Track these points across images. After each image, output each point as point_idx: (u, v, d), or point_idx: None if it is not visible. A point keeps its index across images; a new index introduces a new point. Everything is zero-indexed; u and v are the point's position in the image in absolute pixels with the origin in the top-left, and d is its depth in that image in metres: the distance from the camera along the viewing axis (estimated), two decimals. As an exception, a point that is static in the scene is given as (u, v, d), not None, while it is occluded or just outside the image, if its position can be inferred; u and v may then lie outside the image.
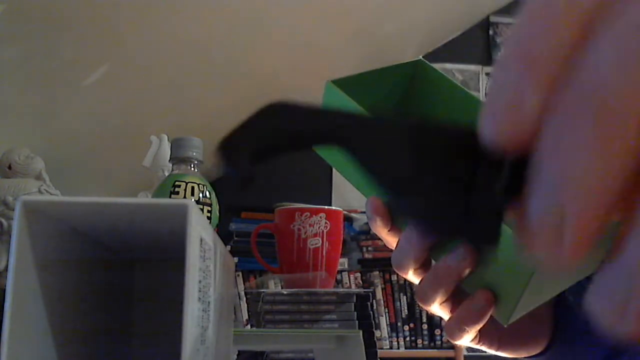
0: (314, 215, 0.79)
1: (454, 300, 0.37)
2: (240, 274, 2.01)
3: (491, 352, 0.41)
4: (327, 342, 0.66)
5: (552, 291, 0.38)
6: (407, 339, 2.05)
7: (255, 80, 1.72)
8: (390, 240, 0.38)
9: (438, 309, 0.38)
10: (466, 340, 0.38)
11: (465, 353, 2.04)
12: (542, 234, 0.16)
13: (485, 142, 0.17)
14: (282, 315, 0.75)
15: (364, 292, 0.78)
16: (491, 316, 0.35)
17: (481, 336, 0.39)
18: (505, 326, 0.35)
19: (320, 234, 0.79)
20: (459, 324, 0.36)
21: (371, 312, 0.77)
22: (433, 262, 0.37)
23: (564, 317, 0.43)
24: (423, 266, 0.37)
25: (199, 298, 0.34)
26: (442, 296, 0.36)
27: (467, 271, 0.34)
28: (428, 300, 0.37)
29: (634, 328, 0.15)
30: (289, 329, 0.72)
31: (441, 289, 0.35)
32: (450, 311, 0.37)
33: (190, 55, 1.48)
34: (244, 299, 1.94)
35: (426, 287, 0.36)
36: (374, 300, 2.02)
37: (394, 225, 0.38)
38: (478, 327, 0.36)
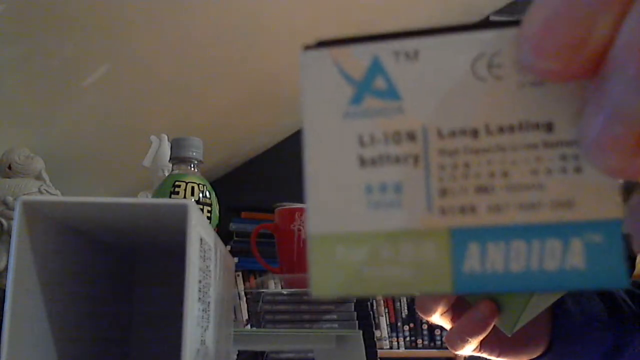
0: (314, 215, 0.79)
1: (455, 310, 0.36)
2: (240, 274, 2.01)
3: (492, 358, 0.41)
4: (327, 342, 0.66)
5: (553, 297, 0.38)
6: (407, 339, 2.05)
7: (255, 80, 1.72)
8: None
9: (439, 319, 0.37)
10: (467, 350, 0.37)
11: (465, 353, 2.04)
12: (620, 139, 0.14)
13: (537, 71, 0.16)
14: (282, 315, 0.75)
15: (364, 292, 0.78)
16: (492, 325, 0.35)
17: (482, 345, 0.39)
18: (510, 335, 0.35)
19: (320, 234, 0.79)
20: (461, 335, 0.36)
21: (371, 312, 0.76)
22: None
23: (562, 317, 0.43)
24: None
25: (199, 298, 0.34)
26: (443, 307, 0.36)
27: None
28: (429, 311, 0.36)
29: (614, 161, 0.15)
30: (289, 329, 0.72)
31: (442, 300, 0.35)
32: (451, 321, 0.37)
33: (190, 55, 1.48)
34: (244, 299, 1.94)
35: (427, 299, 0.36)
36: (374, 300, 2.02)
37: None
38: (481, 337, 0.35)
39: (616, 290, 0.47)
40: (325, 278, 0.20)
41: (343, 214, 0.20)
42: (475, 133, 0.19)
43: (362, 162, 0.20)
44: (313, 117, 0.20)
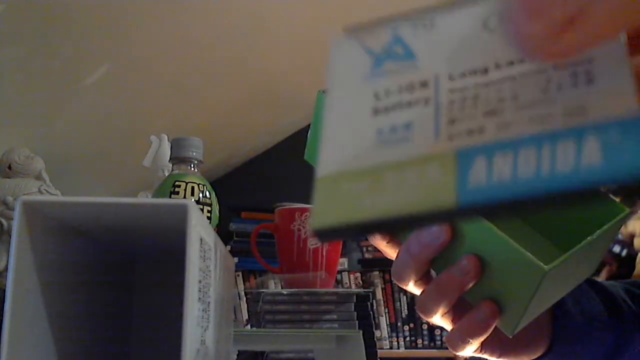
0: (314, 215, 0.79)
1: (456, 311, 0.36)
2: (240, 274, 2.01)
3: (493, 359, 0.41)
4: (327, 342, 0.66)
5: (554, 297, 0.38)
6: (407, 339, 2.05)
7: (255, 80, 1.72)
8: (390, 252, 0.38)
9: (440, 320, 0.37)
10: (468, 351, 0.37)
11: (465, 353, 2.04)
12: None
13: None
14: (282, 315, 0.75)
15: (364, 292, 0.78)
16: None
17: (483, 346, 0.39)
18: (511, 336, 0.35)
19: (320, 234, 0.79)
20: (462, 336, 0.36)
21: (371, 312, 0.76)
22: (433, 273, 0.36)
23: (563, 318, 0.43)
24: (424, 278, 0.36)
25: (199, 298, 0.34)
26: (444, 308, 0.35)
27: (471, 283, 0.33)
28: (430, 312, 0.36)
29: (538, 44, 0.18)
30: (289, 329, 0.72)
31: (444, 301, 0.35)
32: (452, 322, 0.37)
33: (190, 55, 1.48)
34: (244, 299, 1.94)
35: (428, 299, 0.36)
36: (374, 300, 2.02)
37: (392, 238, 0.37)
38: (482, 338, 0.35)
39: (616, 291, 0.47)
40: (326, 209, 0.20)
41: (352, 152, 0.21)
42: (485, 71, 0.20)
43: (376, 112, 0.21)
44: (336, 83, 0.22)
